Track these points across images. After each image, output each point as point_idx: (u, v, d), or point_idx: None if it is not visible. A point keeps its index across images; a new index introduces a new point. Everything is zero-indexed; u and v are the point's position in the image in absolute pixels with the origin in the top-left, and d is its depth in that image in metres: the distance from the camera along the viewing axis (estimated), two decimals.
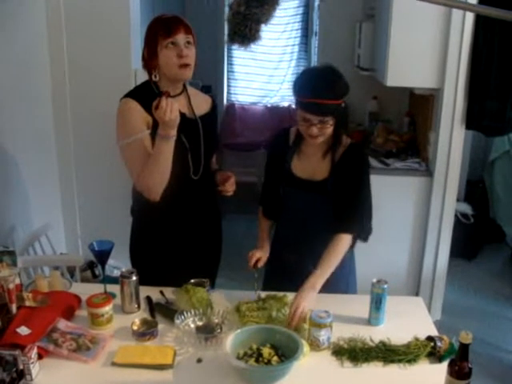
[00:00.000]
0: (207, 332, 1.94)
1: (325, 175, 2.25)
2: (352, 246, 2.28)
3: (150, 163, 2.14)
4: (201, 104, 2.40)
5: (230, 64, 6.78)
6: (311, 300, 2.04)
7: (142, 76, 2.30)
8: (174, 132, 2.09)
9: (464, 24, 3.48)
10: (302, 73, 2.24)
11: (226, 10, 6.55)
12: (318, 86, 2.10)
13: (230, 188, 2.35)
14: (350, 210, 2.23)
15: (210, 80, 6.42)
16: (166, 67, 2.18)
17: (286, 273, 2.25)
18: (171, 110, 2.01)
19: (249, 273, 2.24)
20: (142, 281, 2.15)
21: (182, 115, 2.23)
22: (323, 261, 2.13)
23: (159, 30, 2.16)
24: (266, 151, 2.49)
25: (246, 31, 2.14)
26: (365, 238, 2.34)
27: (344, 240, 2.19)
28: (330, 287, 2.16)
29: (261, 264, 2.26)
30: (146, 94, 2.21)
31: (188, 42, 2.18)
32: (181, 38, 2.15)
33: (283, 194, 2.34)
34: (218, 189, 2.37)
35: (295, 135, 2.31)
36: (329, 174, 2.24)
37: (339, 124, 2.17)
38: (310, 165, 2.28)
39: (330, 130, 2.15)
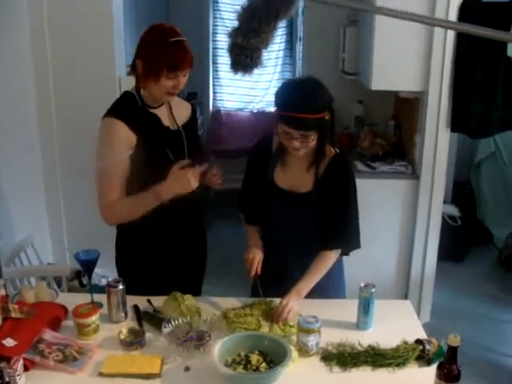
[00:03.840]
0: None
1: (309, 188, 2.21)
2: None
3: (128, 205, 2.16)
4: (182, 112, 2.38)
5: (216, 70, 6.77)
6: (297, 304, 2.07)
7: (126, 84, 2.28)
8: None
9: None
10: (283, 85, 2.13)
11: (211, 14, 6.60)
12: (299, 100, 2.00)
13: (215, 180, 2.29)
14: (336, 228, 2.21)
15: (196, 86, 6.40)
16: (157, 90, 2.15)
17: (273, 280, 2.22)
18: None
19: (238, 279, 2.21)
20: (128, 290, 2.13)
21: (166, 128, 2.24)
22: (309, 271, 2.16)
23: (166, 62, 2.07)
24: (247, 159, 2.40)
25: (246, 61, 2.12)
26: (347, 253, 2.33)
27: (331, 256, 2.21)
28: (319, 295, 2.19)
29: (259, 268, 2.21)
30: (130, 109, 2.20)
31: (186, 74, 2.16)
32: (183, 73, 2.13)
33: (265, 203, 2.30)
34: (205, 178, 2.27)
35: (277, 144, 2.23)
36: (313, 186, 2.21)
37: (323, 136, 2.09)
38: (294, 176, 2.24)
39: (312, 143, 2.08)
